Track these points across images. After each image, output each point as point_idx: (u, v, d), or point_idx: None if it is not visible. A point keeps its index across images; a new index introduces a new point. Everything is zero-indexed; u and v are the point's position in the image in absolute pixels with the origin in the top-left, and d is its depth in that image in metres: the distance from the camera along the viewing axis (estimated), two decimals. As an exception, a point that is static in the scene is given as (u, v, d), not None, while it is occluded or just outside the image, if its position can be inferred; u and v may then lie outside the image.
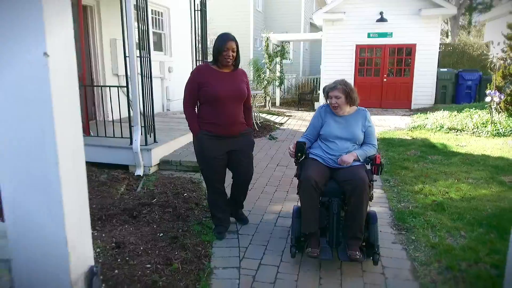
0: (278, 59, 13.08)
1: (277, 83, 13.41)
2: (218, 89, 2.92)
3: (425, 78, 11.65)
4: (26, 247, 0.88)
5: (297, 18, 20.08)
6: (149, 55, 4.82)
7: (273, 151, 6.35)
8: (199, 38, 6.77)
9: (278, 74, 13.20)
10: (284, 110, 12.22)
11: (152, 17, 8.25)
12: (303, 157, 2.87)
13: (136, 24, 4.64)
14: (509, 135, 7.28)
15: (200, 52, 6.86)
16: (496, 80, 8.49)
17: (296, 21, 20.00)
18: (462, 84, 11.83)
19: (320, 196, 2.73)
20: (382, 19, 11.41)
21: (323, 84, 12.44)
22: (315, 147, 3.01)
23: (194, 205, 3.80)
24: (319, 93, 13.18)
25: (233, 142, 3.06)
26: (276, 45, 13.15)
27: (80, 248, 0.94)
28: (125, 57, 4.76)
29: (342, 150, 2.86)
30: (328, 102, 2.95)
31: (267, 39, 12.63)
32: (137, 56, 4.67)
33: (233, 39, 2.93)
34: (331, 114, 2.98)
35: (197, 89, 2.97)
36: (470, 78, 11.74)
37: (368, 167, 2.85)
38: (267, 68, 12.74)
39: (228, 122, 2.99)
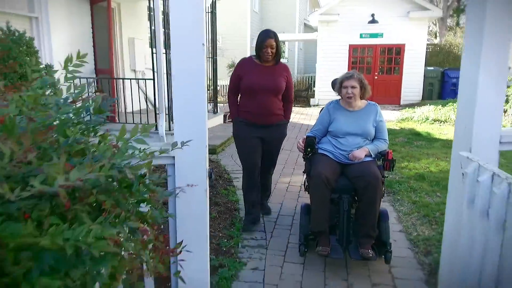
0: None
1: (274, 81, 14.15)
2: (254, 81, 3.09)
3: (413, 76, 12.52)
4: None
5: (292, 18, 20.85)
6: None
7: (277, 139, 7.13)
8: (210, 37, 7.51)
9: (275, 72, 13.95)
10: (282, 106, 12.98)
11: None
12: (312, 153, 2.83)
13: (162, 28, 5.36)
14: (486, 126, 8.14)
15: (210, 50, 7.60)
16: (476, 76, 9.36)
17: (291, 21, 20.76)
18: (448, 82, 12.73)
19: (331, 193, 2.65)
20: (373, 21, 12.24)
21: (318, 82, 13.25)
22: (324, 142, 2.92)
23: (218, 177, 4.55)
24: (314, 90, 13.97)
25: (266, 131, 3.19)
26: (273, 44, 13.90)
27: (207, 155, 1.68)
28: (152, 54, 5.48)
29: (353, 146, 2.77)
30: (341, 93, 2.89)
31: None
32: (162, 53, 5.39)
33: (272, 37, 3.06)
34: (340, 110, 2.91)
35: (238, 80, 3.18)
36: (455, 76, 12.62)
37: (379, 162, 2.82)
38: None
39: (262, 113, 3.14)
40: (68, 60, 0.95)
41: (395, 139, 6.87)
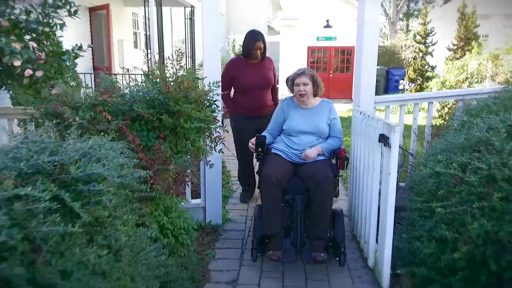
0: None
1: (242, 78, 15.67)
2: (249, 81, 3.34)
3: (362, 74, 14.42)
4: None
5: (257, 21, 22.27)
6: (163, 54, 6.86)
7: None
8: (190, 39, 8.84)
9: (243, 70, 15.46)
10: (250, 101, 14.52)
11: (144, 22, 10.17)
12: (264, 152, 2.72)
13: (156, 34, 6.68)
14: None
15: (189, 49, 8.94)
16: (409, 73, 11.33)
17: (256, 24, 22.13)
18: (391, 79, 14.75)
19: (284, 194, 2.57)
20: (328, 26, 14.03)
21: (281, 80, 14.85)
22: (278, 141, 2.86)
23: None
24: (278, 87, 15.57)
25: (261, 122, 3.37)
26: (240, 45, 15.39)
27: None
28: (147, 53, 6.77)
29: (306, 144, 2.72)
30: (293, 91, 2.85)
31: (233, 40, 14.85)
32: (156, 53, 6.70)
33: (260, 39, 3.30)
34: (294, 107, 2.87)
35: (230, 80, 3.39)
36: (397, 73, 14.68)
37: (334, 161, 2.79)
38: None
39: (258, 106, 3.41)
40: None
41: (343, 123, 8.55)
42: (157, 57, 6.64)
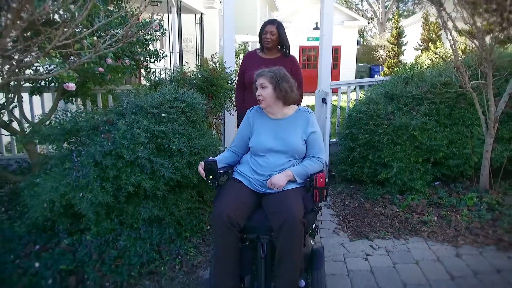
0: (241, 56, 17.25)
1: (241, 74, 17.59)
2: (252, 76, 2.55)
3: (347, 70, 16.41)
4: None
5: (254, 21, 24.13)
6: (181, 53, 8.76)
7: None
8: (200, 41, 10.74)
9: (242, 67, 17.37)
10: (248, 94, 16.46)
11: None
12: (217, 180, 2.08)
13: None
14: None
15: (199, 48, 10.84)
16: (385, 70, 13.30)
17: (253, 24, 24.03)
18: (373, 74, 16.73)
19: (245, 233, 2.01)
20: (317, 28, 15.95)
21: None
22: (243, 162, 2.29)
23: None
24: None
25: None
26: (239, 44, 17.30)
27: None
28: (170, 53, 8.66)
29: (274, 168, 2.13)
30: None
31: (234, 40, 16.74)
32: (177, 52, 8.60)
33: (272, 23, 2.99)
34: (262, 118, 2.27)
35: (242, 74, 3.21)
36: (378, 70, 16.68)
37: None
38: (234, 62, 16.88)
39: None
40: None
41: (325, 110, 10.54)
42: (177, 56, 8.53)
